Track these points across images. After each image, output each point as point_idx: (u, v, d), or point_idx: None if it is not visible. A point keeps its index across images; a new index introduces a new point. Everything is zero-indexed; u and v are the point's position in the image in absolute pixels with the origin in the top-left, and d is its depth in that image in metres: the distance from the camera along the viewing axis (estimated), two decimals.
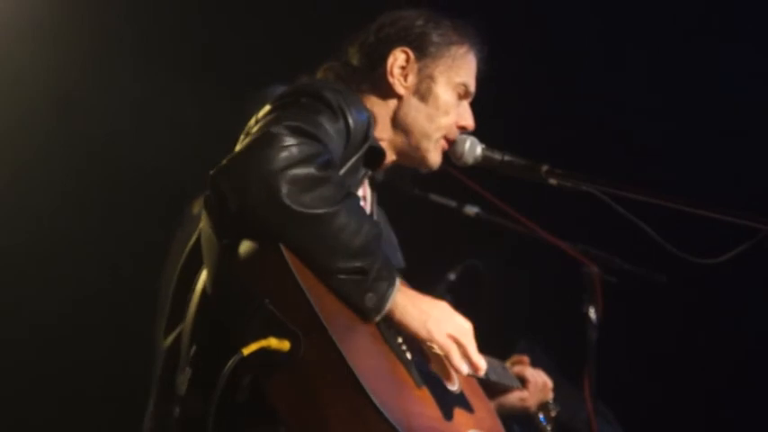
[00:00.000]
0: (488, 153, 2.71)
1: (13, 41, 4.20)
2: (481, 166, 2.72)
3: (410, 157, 2.62)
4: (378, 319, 2.19)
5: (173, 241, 2.80)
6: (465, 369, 2.29)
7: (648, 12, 4.52)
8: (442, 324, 2.26)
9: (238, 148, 2.28)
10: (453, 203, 3.19)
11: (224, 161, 2.15)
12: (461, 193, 2.94)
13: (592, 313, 2.97)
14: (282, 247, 2.10)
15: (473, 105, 2.67)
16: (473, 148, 2.69)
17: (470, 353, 2.29)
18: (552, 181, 2.69)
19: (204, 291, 2.24)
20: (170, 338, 2.33)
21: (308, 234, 2.11)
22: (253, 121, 2.33)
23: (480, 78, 2.68)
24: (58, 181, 4.31)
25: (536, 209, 2.91)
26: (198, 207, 2.39)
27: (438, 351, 2.32)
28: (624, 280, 3.19)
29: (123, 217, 4.34)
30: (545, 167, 2.69)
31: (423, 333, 2.24)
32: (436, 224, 3.36)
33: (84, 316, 4.30)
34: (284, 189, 2.07)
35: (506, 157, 2.71)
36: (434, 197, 3.20)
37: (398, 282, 2.21)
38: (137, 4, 4.34)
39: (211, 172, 2.15)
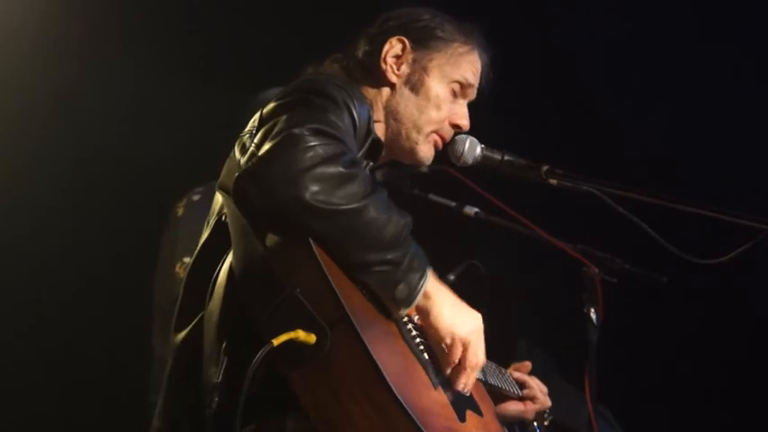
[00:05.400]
0: (488, 153, 2.71)
1: (11, 40, 4.20)
2: (481, 166, 2.71)
3: (401, 148, 2.61)
4: (408, 310, 2.21)
5: (160, 245, 2.81)
6: (459, 385, 2.30)
7: (650, 12, 4.52)
8: (467, 336, 2.27)
9: (238, 149, 2.28)
10: (453, 203, 3.18)
11: (248, 164, 2.16)
12: (461, 193, 2.93)
13: (592, 314, 2.96)
14: (312, 242, 2.11)
15: (472, 106, 2.66)
16: (473, 148, 2.69)
17: (470, 381, 2.31)
18: (552, 181, 2.69)
19: (229, 282, 2.23)
20: (182, 334, 2.32)
21: (338, 230, 2.12)
22: (257, 116, 2.32)
23: (486, 82, 2.67)
24: (55, 179, 4.31)
25: (536, 209, 2.90)
26: (182, 209, 2.40)
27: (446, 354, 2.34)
28: (624, 280, 3.18)
29: (121, 216, 4.34)
30: (545, 167, 2.69)
31: (446, 337, 2.27)
32: (436, 224, 3.35)
33: (82, 314, 4.30)
34: (312, 188, 2.08)
35: (506, 157, 2.71)
36: (434, 197, 3.18)
37: (430, 274, 2.22)
38: (135, 3, 4.34)
39: (237, 174, 2.16)
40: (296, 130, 2.13)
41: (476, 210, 3.15)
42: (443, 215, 3.08)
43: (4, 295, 4.25)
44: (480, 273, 3.29)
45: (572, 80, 4.59)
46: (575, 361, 3.05)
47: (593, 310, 2.94)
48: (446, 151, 2.69)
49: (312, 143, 2.11)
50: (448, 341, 2.27)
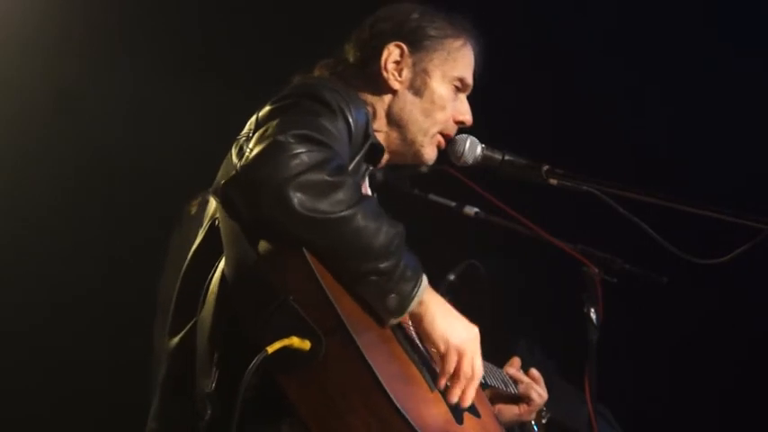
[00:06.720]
0: (489, 153, 2.71)
1: (11, 40, 4.20)
2: (481, 166, 2.71)
3: (405, 153, 2.61)
4: (397, 320, 2.18)
5: (170, 243, 2.78)
6: (454, 397, 2.23)
7: (649, 11, 4.52)
8: (461, 345, 2.22)
9: (235, 151, 2.26)
10: (453, 203, 3.18)
11: (234, 171, 2.13)
12: (461, 193, 2.93)
13: (592, 314, 2.96)
14: (304, 250, 2.09)
15: (471, 102, 2.66)
16: (473, 148, 2.69)
17: (467, 393, 2.23)
18: (553, 181, 2.69)
19: (221, 289, 2.22)
20: (176, 339, 2.31)
21: (326, 239, 2.10)
22: (253, 119, 2.31)
23: (480, 72, 2.67)
24: (55, 179, 4.30)
25: (536, 209, 2.90)
26: (195, 207, 2.38)
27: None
28: (624, 280, 3.18)
29: (121, 215, 4.34)
30: (546, 167, 2.69)
31: (440, 344, 2.21)
32: (436, 224, 3.35)
33: (81, 315, 4.29)
34: (297, 197, 2.05)
35: (507, 157, 2.71)
36: (434, 197, 3.18)
37: (425, 282, 2.18)
38: (135, 3, 4.34)
39: (222, 182, 2.15)
40: (281, 137, 2.10)
41: (476, 210, 3.15)
42: (443, 215, 3.07)
43: (4, 295, 4.25)
44: (480, 273, 3.28)
45: (571, 80, 4.59)
46: (575, 361, 3.05)
47: (593, 310, 2.94)
48: (446, 151, 2.69)
49: (297, 150, 2.08)
50: (442, 348, 2.21)
